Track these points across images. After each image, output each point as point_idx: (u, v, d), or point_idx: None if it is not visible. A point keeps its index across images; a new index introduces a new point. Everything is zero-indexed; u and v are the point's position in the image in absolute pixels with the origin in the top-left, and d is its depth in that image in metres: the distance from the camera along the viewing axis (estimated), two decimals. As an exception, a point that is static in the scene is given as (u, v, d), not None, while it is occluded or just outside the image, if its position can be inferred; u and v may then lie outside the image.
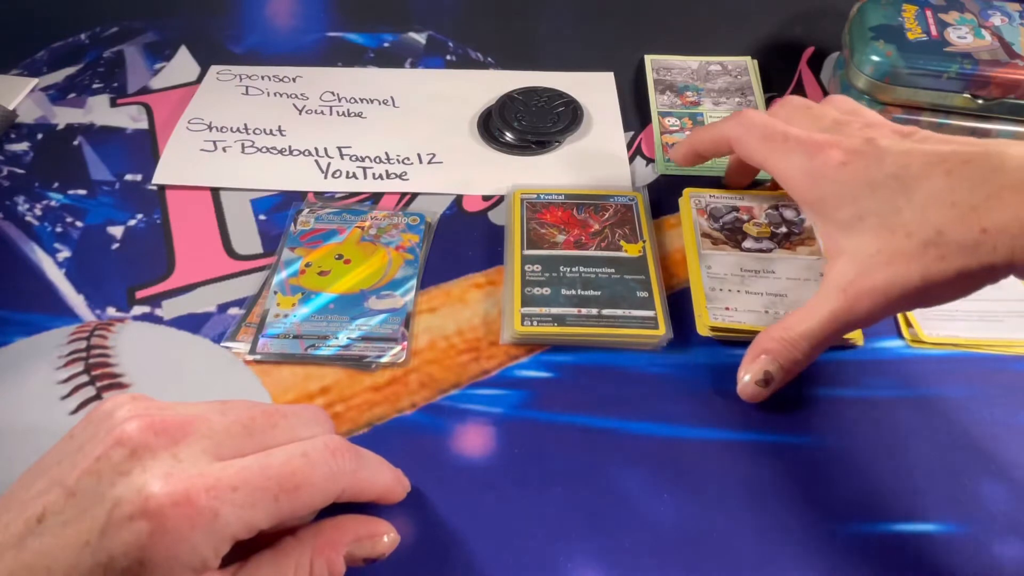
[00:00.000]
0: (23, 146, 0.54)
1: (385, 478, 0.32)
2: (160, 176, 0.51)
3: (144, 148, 0.54)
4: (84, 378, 0.39)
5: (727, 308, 0.43)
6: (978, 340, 0.42)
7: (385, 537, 0.31)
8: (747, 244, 0.47)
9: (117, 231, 0.48)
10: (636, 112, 0.58)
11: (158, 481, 0.25)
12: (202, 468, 0.26)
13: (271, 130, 0.55)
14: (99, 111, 0.57)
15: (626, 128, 0.56)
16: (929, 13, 0.53)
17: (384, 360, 0.41)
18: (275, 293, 0.44)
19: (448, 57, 0.63)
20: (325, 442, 0.29)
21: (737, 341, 0.42)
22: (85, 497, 0.25)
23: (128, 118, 0.56)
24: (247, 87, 0.59)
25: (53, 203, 0.50)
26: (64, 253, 0.47)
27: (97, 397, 0.38)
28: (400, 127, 0.56)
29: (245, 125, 0.56)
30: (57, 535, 0.25)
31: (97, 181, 0.51)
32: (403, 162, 0.53)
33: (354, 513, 0.32)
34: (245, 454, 0.27)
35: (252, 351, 0.41)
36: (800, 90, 0.60)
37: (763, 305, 0.43)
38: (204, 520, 0.25)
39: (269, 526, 0.27)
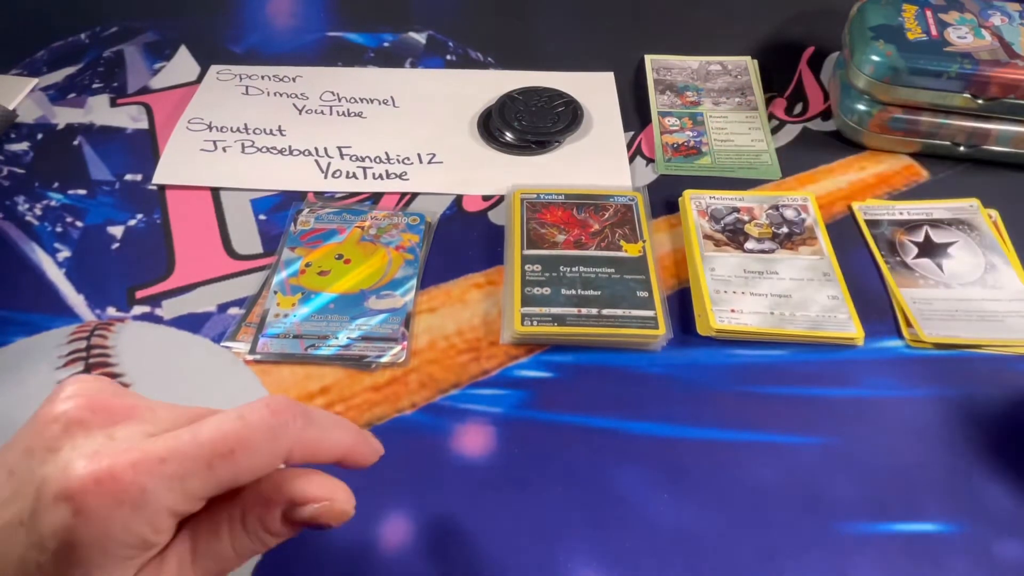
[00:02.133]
0: (23, 146, 0.54)
1: (342, 438, 0.29)
2: (160, 176, 0.51)
3: (144, 148, 0.54)
4: (84, 378, 0.39)
5: (732, 310, 0.43)
6: (978, 340, 0.42)
7: (337, 503, 0.27)
8: (749, 245, 0.47)
9: (117, 231, 0.48)
10: (636, 112, 0.58)
11: (83, 460, 0.24)
12: (131, 444, 0.24)
13: (271, 130, 0.55)
14: (99, 111, 0.57)
15: (626, 128, 0.56)
16: (929, 13, 0.53)
17: (384, 360, 0.41)
18: (275, 293, 0.44)
19: (448, 57, 0.63)
20: (266, 402, 0.27)
21: (738, 341, 0.42)
22: (21, 476, 0.24)
23: (128, 118, 0.56)
24: (247, 87, 0.59)
25: (53, 203, 0.50)
26: (64, 253, 0.47)
27: (97, 397, 0.38)
28: (400, 127, 0.56)
29: (245, 125, 0.56)
30: None
31: (97, 181, 0.51)
32: (403, 162, 0.53)
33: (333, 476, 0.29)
34: None
35: (252, 351, 0.41)
36: (800, 90, 0.60)
37: (768, 306, 0.43)
38: (130, 496, 0.23)
39: (212, 494, 0.25)
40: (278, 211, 0.50)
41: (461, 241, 0.48)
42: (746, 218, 0.48)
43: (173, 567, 0.26)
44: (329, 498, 0.27)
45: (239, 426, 0.25)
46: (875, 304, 0.45)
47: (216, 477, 0.25)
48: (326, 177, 0.52)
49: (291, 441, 0.27)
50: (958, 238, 0.48)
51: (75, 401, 0.26)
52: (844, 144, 0.55)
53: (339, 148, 0.54)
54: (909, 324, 0.43)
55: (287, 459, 0.27)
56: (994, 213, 0.50)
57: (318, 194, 0.51)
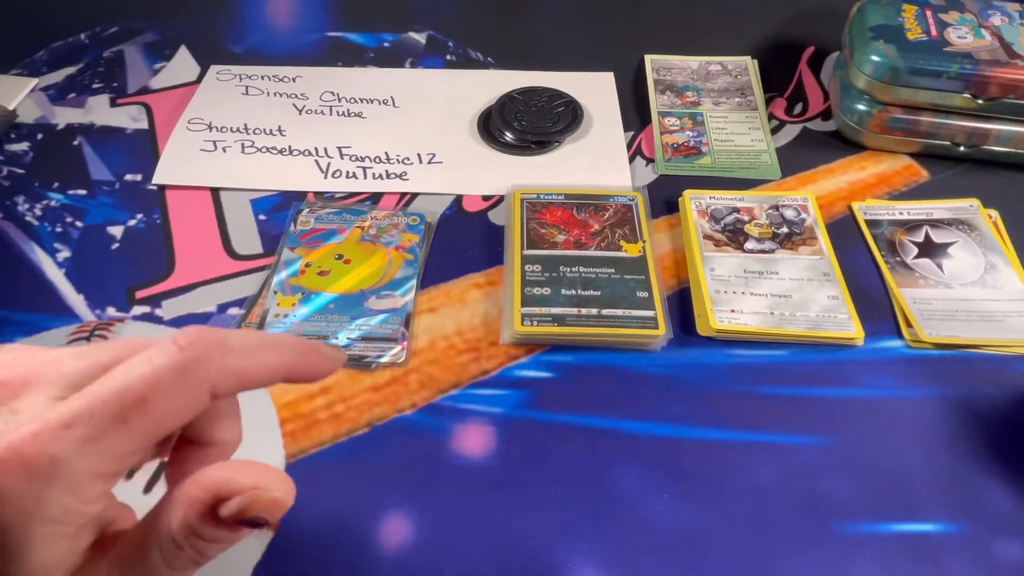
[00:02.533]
0: (23, 146, 0.54)
1: (275, 358, 0.26)
2: (160, 176, 0.51)
3: (144, 148, 0.54)
4: (84, 378, 0.39)
5: (732, 310, 0.43)
6: (978, 340, 0.42)
7: (266, 492, 0.24)
8: (749, 245, 0.47)
9: (117, 231, 0.48)
10: (636, 112, 0.58)
11: None
12: (34, 415, 0.23)
13: (271, 130, 0.55)
14: (99, 111, 0.57)
15: (626, 128, 0.56)
16: (929, 13, 0.53)
17: (384, 360, 0.41)
18: (275, 293, 0.44)
19: (448, 57, 0.63)
20: (174, 338, 0.24)
21: (738, 341, 0.42)
22: None
23: (128, 118, 0.56)
24: (247, 87, 0.59)
25: (53, 203, 0.50)
26: (64, 253, 0.47)
27: (97, 397, 0.38)
28: (400, 127, 0.56)
29: (245, 125, 0.56)
30: None
31: (97, 181, 0.51)
32: (403, 162, 0.53)
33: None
34: None
35: (252, 351, 0.41)
36: (800, 90, 0.60)
37: (768, 306, 0.43)
38: (40, 469, 0.22)
39: (139, 448, 0.23)
40: (278, 211, 0.50)
41: (461, 241, 0.48)
42: (746, 218, 0.48)
43: None
44: (255, 486, 0.24)
45: (146, 371, 0.23)
46: (875, 304, 0.45)
47: (136, 430, 0.23)
48: (326, 177, 0.52)
49: (211, 374, 0.24)
50: (958, 238, 0.48)
51: None
52: (844, 144, 0.55)
53: (339, 148, 0.54)
54: (909, 324, 0.43)
55: (214, 393, 0.24)
56: (994, 213, 0.50)
57: (318, 194, 0.51)
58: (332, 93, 0.59)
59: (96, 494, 0.23)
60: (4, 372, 0.24)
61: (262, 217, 0.49)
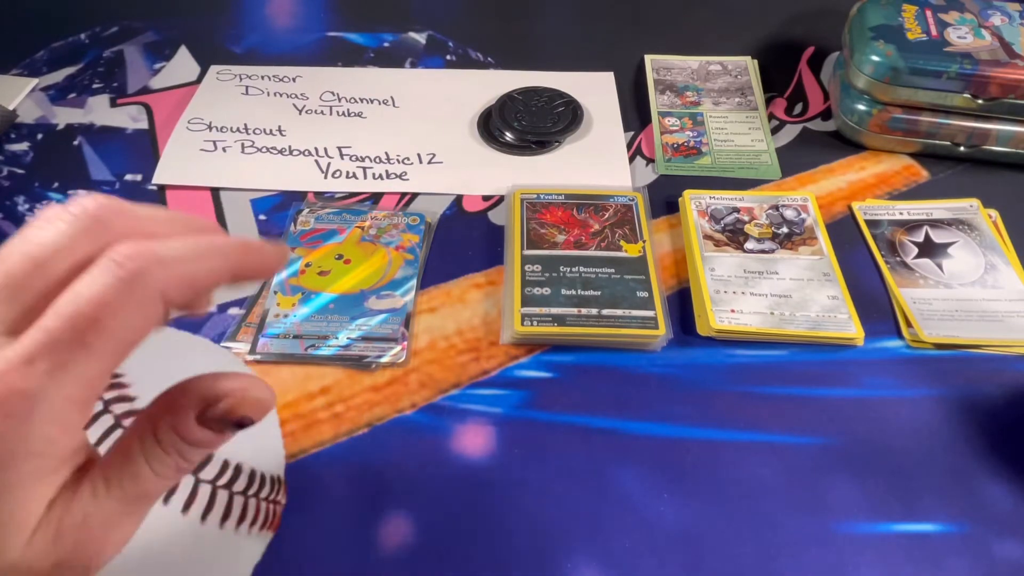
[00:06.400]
0: (23, 146, 0.54)
1: (221, 260, 0.26)
2: (160, 176, 0.51)
3: (144, 148, 0.54)
4: (84, 378, 0.39)
5: (732, 310, 0.43)
6: (978, 340, 0.42)
7: (252, 391, 0.25)
8: (749, 245, 0.47)
9: (117, 231, 0.48)
10: (636, 112, 0.58)
11: None
12: None
13: (271, 130, 0.55)
14: (99, 111, 0.57)
15: (626, 128, 0.56)
16: (929, 13, 0.53)
17: (384, 360, 0.41)
18: (275, 293, 0.44)
19: (448, 57, 0.63)
20: (111, 256, 0.24)
21: (738, 341, 0.42)
22: None
23: (128, 118, 0.56)
24: (247, 87, 0.59)
25: (53, 203, 0.50)
26: (64, 253, 0.47)
27: (97, 397, 0.38)
28: (400, 127, 0.56)
29: (245, 125, 0.56)
30: None
31: (97, 181, 0.51)
32: (403, 162, 0.53)
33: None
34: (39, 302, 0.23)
35: (252, 351, 0.41)
36: (800, 90, 0.60)
37: (768, 306, 0.43)
38: (14, 406, 0.22)
39: (109, 368, 0.24)
40: (278, 211, 0.50)
41: (461, 241, 0.48)
42: (746, 218, 0.48)
43: (87, 495, 0.24)
44: (242, 388, 0.25)
45: (93, 293, 0.23)
46: (875, 304, 0.45)
47: (100, 351, 0.23)
48: (326, 177, 0.52)
49: (159, 284, 0.24)
50: (958, 238, 0.48)
51: None
52: (844, 144, 0.55)
53: (339, 148, 0.54)
54: (909, 324, 0.43)
55: (167, 301, 0.24)
56: (994, 213, 0.50)
57: (318, 194, 0.51)
58: (332, 93, 0.59)
59: (76, 422, 0.23)
60: None
61: (262, 217, 0.49)
